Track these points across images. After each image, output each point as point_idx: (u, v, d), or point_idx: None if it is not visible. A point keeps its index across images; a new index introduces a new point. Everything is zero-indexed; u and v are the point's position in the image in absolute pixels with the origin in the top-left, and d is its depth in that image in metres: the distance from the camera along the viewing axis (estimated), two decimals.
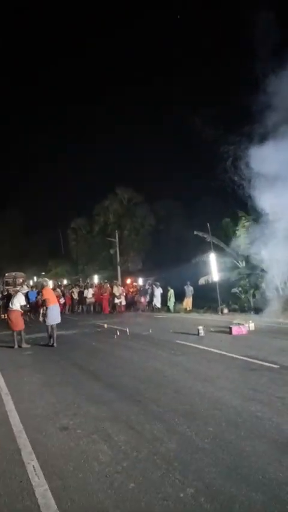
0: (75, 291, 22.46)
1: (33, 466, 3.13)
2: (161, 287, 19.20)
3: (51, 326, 9.48)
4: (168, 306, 18.50)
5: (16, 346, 9.36)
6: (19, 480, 2.94)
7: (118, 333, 10.83)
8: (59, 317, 9.77)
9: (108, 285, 21.64)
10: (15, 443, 3.66)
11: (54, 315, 9.53)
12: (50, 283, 32.90)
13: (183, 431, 3.75)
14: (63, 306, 18.66)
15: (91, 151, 56.33)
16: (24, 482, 2.90)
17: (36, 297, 21.96)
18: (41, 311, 10.04)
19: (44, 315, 9.64)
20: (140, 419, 4.14)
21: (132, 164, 42.94)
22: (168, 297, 18.45)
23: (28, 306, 12.10)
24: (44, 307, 9.70)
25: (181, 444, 3.46)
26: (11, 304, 9.61)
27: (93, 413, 4.39)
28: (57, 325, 9.73)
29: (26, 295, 11.28)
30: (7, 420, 4.32)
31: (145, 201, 36.03)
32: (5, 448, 3.56)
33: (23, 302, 9.79)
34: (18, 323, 9.54)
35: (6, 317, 10.32)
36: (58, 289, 23.29)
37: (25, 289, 11.65)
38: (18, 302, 9.61)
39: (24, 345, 9.45)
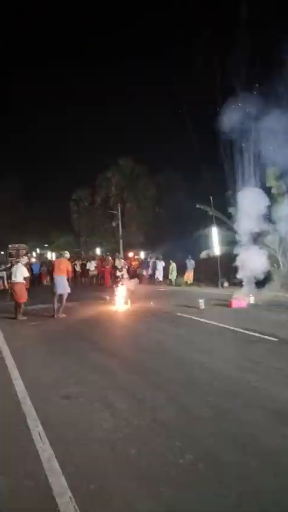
0: (78, 263, 22.58)
1: (39, 433, 3.25)
2: (163, 260, 19.29)
3: (61, 296, 9.61)
4: (170, 279, 18.64)
5: (22, 318, 9.49)
6: (26, 446, 3.06)
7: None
8: (68, 287, 9.82)
9: (111, 258, 21.72)
10: (20, 410, 3.78)
11: (62, 284, 9.62)
12: (53, 255, 32.90)
13: (183, 400, 3.87)
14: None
15: (94, 120, 54.94)
16: (30, 448, 3.02)
17: (39, 269, 22.21)
18: (45, 281, 10.12)
19: (53, 284, 9.72)
20: (142, 388, 4.26)
21: (135, 135, 41.90)
22: (170, 270, 18.57)
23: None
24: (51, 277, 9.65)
25: (181, 413, 3.58)
26: (14, 276, 9.68)
27: (96, 382, 4.52)
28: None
29: (30, 267, 11.23)
30: (13, 388, 4.45)
31: (148, 173, 35.47)
32: (11, 415, 3.69)
33: (26, 274, 9.87)
34: (23, 295, 9.66)
35: (9, 288, 10.42)
36: None
37: (24, 259, 11.64)
38: (21, 274, 9.69)
39: (20, 317, 9.54)
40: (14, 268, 9.97)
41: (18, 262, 10.26)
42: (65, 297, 9.72)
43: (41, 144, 55.24)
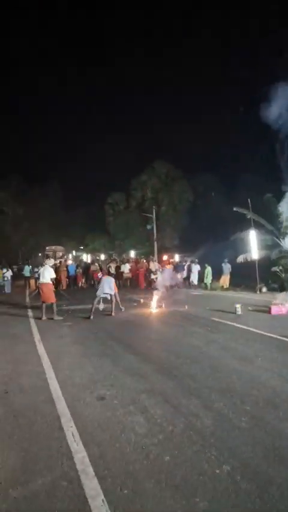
0: (113, 265, 22.77)
1: (72, 433, 3.24)
2: (198, 264, 19.04)
3: (112, 295, 10.09)
4: (206, 283, 18.34)
5: (45, 318, 9.65)
6: (59, 445, 3.06)
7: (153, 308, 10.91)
8: (114, 289, 10.19)
9: (145, 261, 21.73)
10: (55, 409, 3.80)
11: (109, 285, 10.09)
12: (88, 257, 33.49)
13: (219, 408, 3.73)
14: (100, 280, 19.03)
15: (130, 124, 55.70)
16: (64, 449, 3.01)
17: (75, 270, 22.68)
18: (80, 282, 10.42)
19: (101, 284, 10.18)
20: (176, 393, 4.16)
21: (170, 138, 41.99)
22: (206, 274, 18.27)
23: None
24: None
25: (217, 421, 3.44)
26: (42, 277, 9.92)
27: (130, 385, 4.47)
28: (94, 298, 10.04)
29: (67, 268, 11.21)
30: (48, 387, 4.50)
31: (183, 176, 35.28)
32: (46, 414, 3.71)
33: (53, 275, 10.15)
34: (50, 296, 9.85)
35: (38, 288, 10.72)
36: (96, 264, 23.74)
37: (51, 261, 11.90)
38: (49, 275, 9.91)
39: (56, 317, 9.71)
40: (41, 269, 10.27)
41: (45, 264, 10.54)
42: (116, 296, 10.27)
43: (78, 151, 56.84)
